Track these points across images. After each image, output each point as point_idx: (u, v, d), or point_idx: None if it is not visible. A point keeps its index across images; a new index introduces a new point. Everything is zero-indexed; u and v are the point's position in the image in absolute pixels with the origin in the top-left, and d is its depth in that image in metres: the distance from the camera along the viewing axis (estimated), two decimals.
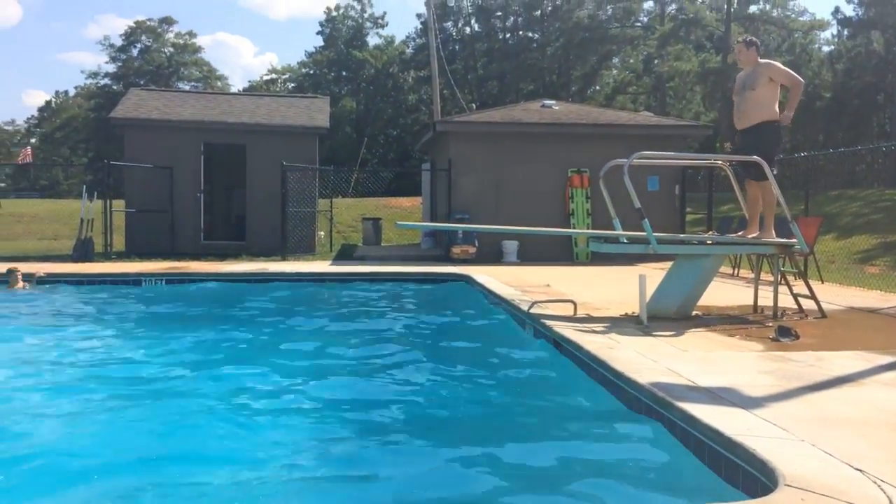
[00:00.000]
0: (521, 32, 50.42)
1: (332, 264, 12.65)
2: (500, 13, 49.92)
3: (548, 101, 16.86)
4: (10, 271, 9.49)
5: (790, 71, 6.58)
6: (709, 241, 6.55)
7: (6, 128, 65.78)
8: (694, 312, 6.22)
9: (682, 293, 6.13)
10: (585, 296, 7.40)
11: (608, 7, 45.96)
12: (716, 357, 4.51)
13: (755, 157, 6.24)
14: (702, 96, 43.74)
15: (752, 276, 7.50)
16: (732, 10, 39.18)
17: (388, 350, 5.92)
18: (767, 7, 42.35)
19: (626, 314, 6.24)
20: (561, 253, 13.92)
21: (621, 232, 6.39)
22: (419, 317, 7.72)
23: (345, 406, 4.26)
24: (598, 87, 49.52)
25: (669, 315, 6.00)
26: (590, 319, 5.94)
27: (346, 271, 11.15)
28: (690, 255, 6.28)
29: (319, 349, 5.90)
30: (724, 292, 7.74)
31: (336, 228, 19.35)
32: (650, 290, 5.88)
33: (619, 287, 8.61)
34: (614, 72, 50.61)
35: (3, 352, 5.78)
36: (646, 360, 4.32)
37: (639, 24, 46.61)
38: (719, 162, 7.59)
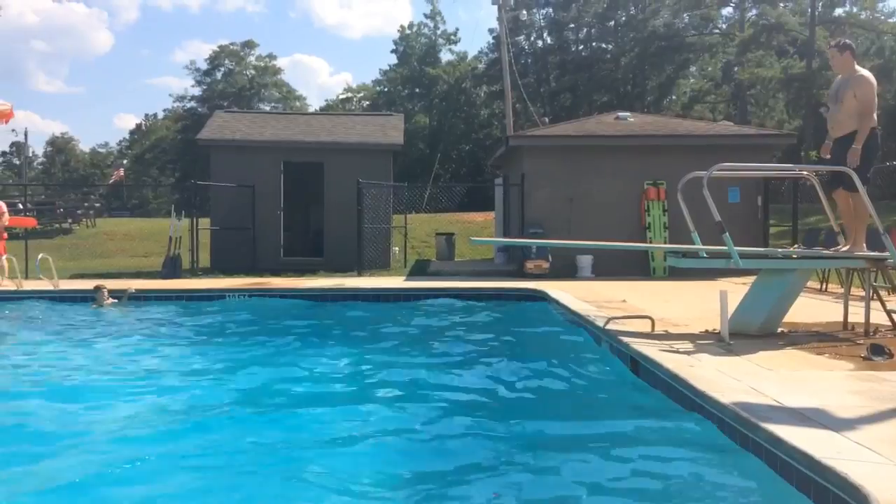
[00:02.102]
0: (594, 44, 49.98)
1: (406, 280, 12.81)
2: (572, 25, 49.64)
3: (622, 113, 16.63)
4: (97, 289, 10.01)
5: (871, 98, 6.21)
6: (794, 255, 6.31)
7: (100, 150, 69.72)
8: (779, 329, 5.99)
9: (766, 309, 5.92)
10: (663, 312, 7.24)
11: (685, 15, 45.00)
12: (803, 376, 4.34)
13: (844, 167, 5.98)
14: (785, 104, 42.20)
15: (842, 291, 7.17)
16: (817, 13, 37.71)
17: (462, 366, 5.95)
18: (854, 9, 40.54)
19: (707, 331, 6.06)
20: (637, 267, 13.64)
21: (701, 246, 6.22)
22: (493, 333, 7.72)
23: (419, 423, 4.28)
24: (674, 97, 48.46)
25: (753, 332, 5.81)
26: (668, 336, 5.81)
27: (420, 287, 11.26)
28: (775, 270, 6.06)
29: (395, 364, 5.99)
30: (811, 308, 7.43)
31: (410, 244, 19.58)
32: (732, 305, 5.70)
33: (699, 303, 8.38)
34: (691, 81, 49.43)
35: (100, 365, 6.12)
36: (728, 378, 4.19)
37: (717, 31, 45.43)
38: (805, 172, 7.31)
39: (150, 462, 3.60)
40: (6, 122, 12.44)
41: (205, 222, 15.74)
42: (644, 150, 14.12)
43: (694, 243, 6.24)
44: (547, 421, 4.31)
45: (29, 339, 7.62)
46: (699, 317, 6.90)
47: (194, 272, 14.24)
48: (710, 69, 46.92)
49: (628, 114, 16.73)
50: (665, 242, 13.46)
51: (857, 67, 6.37)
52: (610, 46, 48.70)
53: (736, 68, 41.85)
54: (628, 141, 14.30)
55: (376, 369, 5.79)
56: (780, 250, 7.57)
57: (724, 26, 45.55)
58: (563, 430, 4.14)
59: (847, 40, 6.74)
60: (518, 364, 6.06)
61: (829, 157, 6.55)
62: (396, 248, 17.69)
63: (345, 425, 4.25)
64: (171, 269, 13.87)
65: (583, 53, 49.32)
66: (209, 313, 9.32)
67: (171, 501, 3.19)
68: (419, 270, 15.23)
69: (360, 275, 13.74)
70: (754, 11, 42.47)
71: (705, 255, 6.30)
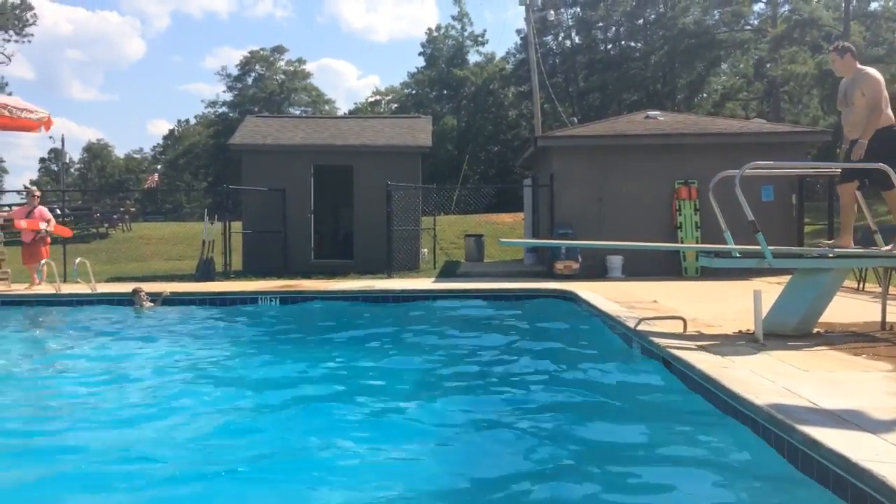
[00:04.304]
0: (622, 42, 49.59)
1: (435, 281, 12.84)
2: (601, 24, 49.33)
3: (652, 112, 16.49)
4: (135, 291, 10.21)
5: (877, 93, 6.19)
6: (830, 254, 6.20)
7: (135, 156, 71.09)
8: (815, 330, 5.90)
9: (802, 309, 5.83)
10: (695, 312, 7.17)
11: (715, 12, 44.42)
12: (839, 377, 4.27)
13: (880, 164, 5.88)
14: (819, 100, 41.34)
15: (880, 290, 7.02)
16: (851, 7, 36.96)
17: (493, 368, 5.96)
18: (891, 3, 39.64)
19: (740, 332, 5.99)
20: (668, 267, 13.51)
21: (733, 246, 6.15)
22: (523, 334, 7.72)
23: (451, 427, 4.28)
24: (705, 95, 47.86)
25: (788, 333, 5.72)
26: (701, 337, 5.75)
27: (450, 288, 11.27)
28: (810, 270, 5.96)
29: (425, 366, 6.02)
30: (848, 308, 7.29)
31: (439, 245, 19.62)
32: (766, 306, 5.62)
33: (732, 303, 8.27)
34: (723, 78, 48.75)
35: (134, 367, 6.24)
36: (763, 380, 4.14)
37: (749, 27, 44.75)
38: (841, 170, 7.17)
39: (203, 454, 3.69)
40: (46, 129, 12.76)
41: (237, 226, 15.95)
42: (675, 149, 13.98)
43: (726, 243, 6.17)
44: (576, 423, 4.29)
45: (71, 341, 7.80)
46: (732, 317, 6.82)
47: (227, 275, 14.44)
48: (741, 66, 46.22)
49: (658, 112, 16.58)
50: (697, 242, 13.31)
51: (860, 66, 6.37)
52: (639, 45, 48.27)
53: (769, 65, 41.20)
54: (659, 140, 14.16)
55: (404, 371, 5.82)
56: (815, 249, 7.44)
57: (755, 22, 44.85)
58: (593, 433, 4.12)
59: (845, 43, 6.79)
60: (548, 365, 6.05)
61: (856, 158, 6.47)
62: (425, 250, 17.74)
63: (377, 427, 4.29)
64: (205, 271, 14.08)
65: (611, 52, 48.95)
66: (243, 315, 9.45)
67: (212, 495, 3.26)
68: (448, 272, 15.25)
69: (389, 277, 13.81)
70: (787, 7, 41.76)
71: (738, 255, 6.22)
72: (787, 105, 42.80)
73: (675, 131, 14.50)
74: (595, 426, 4.24)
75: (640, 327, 6.06)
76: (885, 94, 6.29)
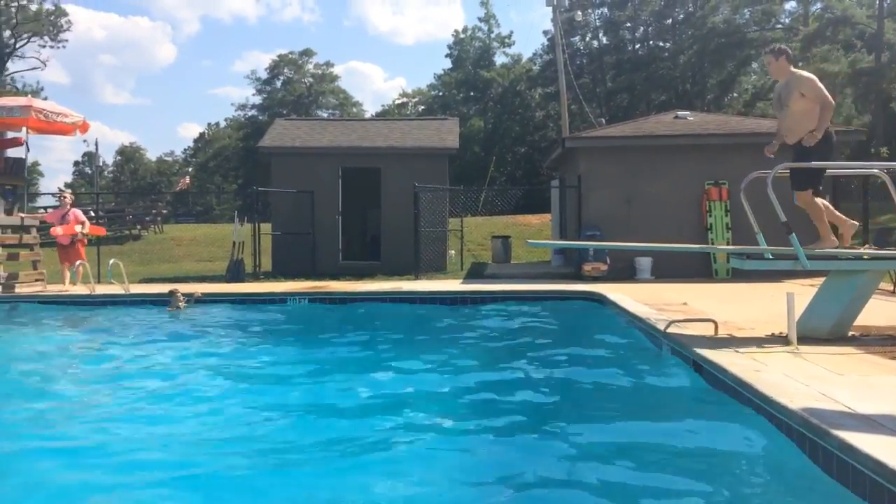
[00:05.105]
0: (651, 42, 49.19)
1: (463, 283, 12.84)
2: (628, 24, 48.99)
3: (681, 112, 16.33)
4: (172, 293, 10.38)
5: (820, 89, 6.21)
6: (865, 256, 6.09)
7: (166, 158, 72.16)
8: (850, 333, 5.80)
9: (836, 312, 5.73)
10: (727, 315, 7.08)
11: (745, 10, 43.85)
12: (876, 381, 4.19)
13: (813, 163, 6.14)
14: (853, 99, 40.59)
15: None
16: (885, 5, 36.23)
17: (520, 368, 5.95)
18: None
19: (773, 334, 5.90)
20: (699, 269, 13.37)
21: (766, 247, 6.07)
22: (551, 336, 7.70)
23: (478, 428, 4.29)
24: (735, 95, 47.26)
25: (822, 336, 5.63)
26: (733, 340, 5.69)
27: (477, 290, 11.25)
28: (845, 272, 5.86)
29: (453, 366, 6.03)
30: (883, 310, 7.15)
31: (466, 247, 19.63)
32: (799, 308, 5.54)
33: (764, 305, 8.16)
34: (753, 77, 48.08)
35: (171, 365, 6.35)
36: (796, 384, 4.09)
37: (780, 25, 44.10)
38: (875, 170, 7.06)
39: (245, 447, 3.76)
40: (82, 132, 13.05)
41: (266, 227, 16.12)
42: (705, 150, 13.83)
43: (759, 244, 6.09)
44: (607, 425, 4.28)
45: (109, 341, 7.95)
46: (765, 320, 6.73)
47: (257, 276, 14.61)
48: None
49: (688, 113, 16.42)
50: (728, 244, 13.15)
51: (794, 70, 6.41)
52: (668, 44, 47.85)
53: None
54: (688, 140, 14.02)
55: (435, 372, 5.84)
56: (849, 251, 7.32)
57: (786, 21, 44.20)
58: (621, 435, 4.10)
59: (782, 46, 6.79)
60: (576, 368, 6.03)
61: (771, 156, 6.70)
62: (453, 252, 17.77)
63: (406, 427, 4.31)
64: (235, 273, 14.26)
65: (639, 52, 48.57)
66: (273, 315, 9.56)
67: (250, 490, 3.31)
68: (475, 273, 15.25)
69: (417, 278, 13.86)
70: (819, 5, 41.07)
71: (771, 257, 6.14)
72: None
73: (706, 131, 14.34)
74: (623, 428, 4.22)
75: (670, 330, 6.01)
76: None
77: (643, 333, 6.94)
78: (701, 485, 3.30)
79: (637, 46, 49.47)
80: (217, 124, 68.45)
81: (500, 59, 55.34)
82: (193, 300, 10.48)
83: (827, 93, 6.28)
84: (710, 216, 13.56)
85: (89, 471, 3.66)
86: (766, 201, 5.52)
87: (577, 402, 4.85)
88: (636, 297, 9.03)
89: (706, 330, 5.94)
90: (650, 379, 5.35)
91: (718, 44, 42.52)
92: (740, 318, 7.03)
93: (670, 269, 13.10)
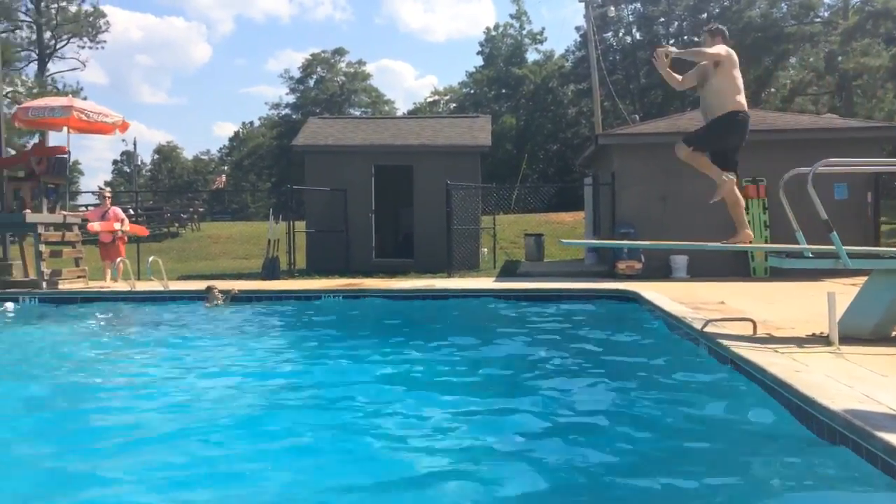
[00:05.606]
0: (685, 37, 48.47)
1: (495, 281, 12.84)
2: (662, 19, 48.38)
3: None
4: (209, 289, 10.57)
5: (717, 51, 6.57)
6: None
7: (202, 157, 73.25)
8: (893, 333, 5.68)
9: (879, 312, 5.61)
10: (765, 314, 6.99)
11: (783, 4, 43.02)
12: None
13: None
14: (895, 94, 39.66)
15: None
16: None
17: (554, 369, 5.94)
18: None
19: (814, 334, 5.80)
20: (736, 268, 13.18)
21: (806, 246, 5.97)
22: (586, 335, 7.65)
23: (523, 428, 4.26)
24: (773, 90, 46.37)
25: (865, 336, 5.52)
26: (772, 340, 5.61)
27: (510, 288, 11.26)
28: (888, 270, 5.74)
29: (487, 366, 6.04)
30: None
31: (499, 245, 19.61)
32: (841, 308, 5.44)
33: (804, 305, 8.03)
34: (791, 72, 47.18)
35: (209, 361, 6.47)
36: (839, 385, 4.02)
37: (818, 19, 43.16)
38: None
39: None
40: (122, 132, 13.33)
41: (300, 225, 16.29)
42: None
43: (798, 243, 6.00)
44: (641, 425, 4.25)
45: (152, 335, 8.14)
46: (805, 320, 6.62)
47: (291, 273, 14.77)
48: (811, 60, 44.61)
49: None
50: (766, 242, 12.95)
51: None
52: (703, 39, 47.14)
53: (840, 58, 39.65)
54: None
55: (472, 371, 5.86)
56: (893, 250, 7.16)
57: (825, 14, 43.23)
58: (659, 436, 4.07)
59: (720, 25, 6.85)
60: (611, 367, 6.00)
61: None
62: (485, 249, 17.77)
63: (443, 426, 4.34)
64: (270, 270, 14.44)
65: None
66: (308, 312, 9.68)
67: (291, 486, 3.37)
68: (508, 271, 15.24)
69: (449, 276, 13.89)
70: None
71: (811, 255, 6.04)
72: (860, 99, 41.11)
73: None
74: (660, 429, 4.18)
75: (707, 329, 5.95)
76: (738, 75, 6.68)
77: (679, 333, 6.87)
78: (738, 486, 3.27)
79: (671, 42, 48.82)
80: (251, 123, 69.31)
81: (531, 56, 55.17)
82: (230, 297, 10.65)
83: (720, 53, 6.62)
84: (748, 214, 13.34)
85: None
86: (805, 198, 5.43)
87: (610, 400, 4.82)
88: (672, 296, 8.95)
89: (744, 329, 5.86)
90: (686, 379, 5.28)
91: (755, 38, 41.74)
92: (779, 317, 6.93)
93: (706, 268, 12.94)
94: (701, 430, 4.12)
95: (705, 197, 13.23)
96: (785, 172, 6.13)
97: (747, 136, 6.96)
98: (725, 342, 5.42)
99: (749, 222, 13.13)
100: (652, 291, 9.53)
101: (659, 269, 13.14)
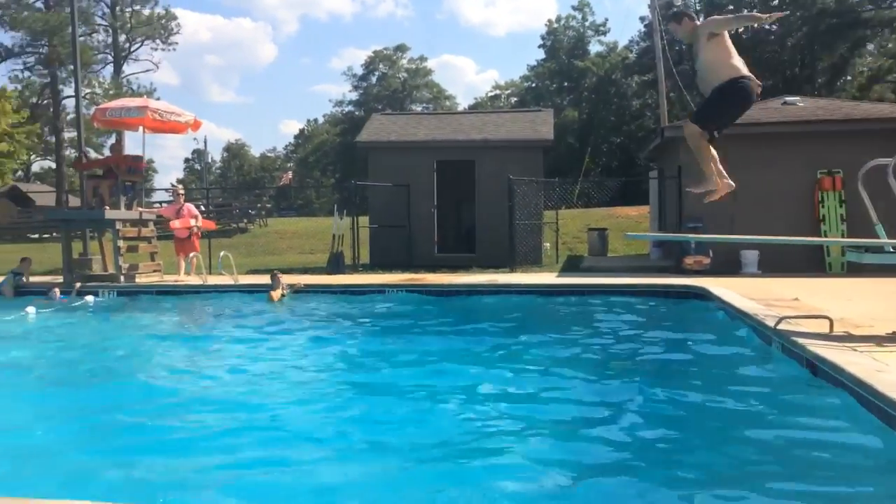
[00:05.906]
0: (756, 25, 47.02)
1: (558, 276, 12.74)
2: (731, 7, 46.92)
3: (790, 98, 15.54)
4: (273, 275, 10.85)
5: (717, 19, 6.15)
6: None
7: (269, 154, 75.05)
8: None
9: None
10: (843, 311, 6.72)
11: None
12: None
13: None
14: None
15: None
16: None
17: (620, 368, 5.87)
18: None
19: (895, 332, 5.56)
20: (809, 263, 12.72)
21: (887, 240, 5.72)
22: (653, 332, 7.53)
23: (592, 427, 4.24)
24: (849, 78, 44.47)
25: None
26: (849, 338, 5.40)
27: (574, 283, 11.16)
28: None
29: (549, 363, 6.01)
30: None
31: (561, 240, 19.43)
32: None
33: (884, 302, 7.69)
34: (869, 59, 45.11)
35: (276, 354, 6.66)
36: None
37: None
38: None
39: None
40: (194, 130, 13.80)
41: (364, 220, 16.50)
42: (816, 137, 13.12)
43: (878, 237, 5.75)
44: (716, 431, 4.16)
45: (225, 325, 8.45)
46: (885, 317, 6.34)
47: (355, 268, 14.99)
48: (890, 46, 42.54)
49: (797, 98, 15.60)
50: (842, 236, 12.46)
51: (697, 23, 6.26)
52: (774, 27, 45.53)
53: None
54: (797, 128, 13.34)
55: (534, 368, 5.84)
56: None
57: None
58: (733, 435, 3.99)
59: (679, 9, 6.42)
60: (678, 366, 5.89)
61: None
62: (548, 244, 17.63)
63: (501, 423, 4.35)
64: (335, 265, 14.70)
65: (743, 36, 46.39)
66: (373, 306, 9.84)
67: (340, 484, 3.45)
68: (571, 266, 15.09)
69: (512, 271, 13.85)
70: None
71: (892, 250, 5.78)
72: None
73: (817, 118, 13.59)
74: (735, 429, 4.09)
75: (780, 326, 5.76)
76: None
77: (751, 330, 6.68)
78: (816, 487, 3.17)
79: (741, 30, 47.32)
80: (315, 120, 70.65)
81: (594, 48, 54.46)
82: (295, 290, 10.91)
83: (723, 20, 6.25)
84: (823, 207, 12.87)
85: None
86: (886, 190, 5.19)
87: (683, 399, 4.74)
88: (742, 292, 8.70)
89: (820, 327, 5.66)
90: (760, 377, 5.15)
91: (829, 25, 40.09)
92: (858, 314, 6.66)
93: (778, 263, 12.53)
94: (775, 431, 4.01)
95: (777, 189, 12.89)
96: (862, 164, 5.88)
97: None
98: (801, 340, 5.24)
99: (824, 216, 12.75)
100: (721, 287, 9.29)
101: (728, 265, 12.79)
